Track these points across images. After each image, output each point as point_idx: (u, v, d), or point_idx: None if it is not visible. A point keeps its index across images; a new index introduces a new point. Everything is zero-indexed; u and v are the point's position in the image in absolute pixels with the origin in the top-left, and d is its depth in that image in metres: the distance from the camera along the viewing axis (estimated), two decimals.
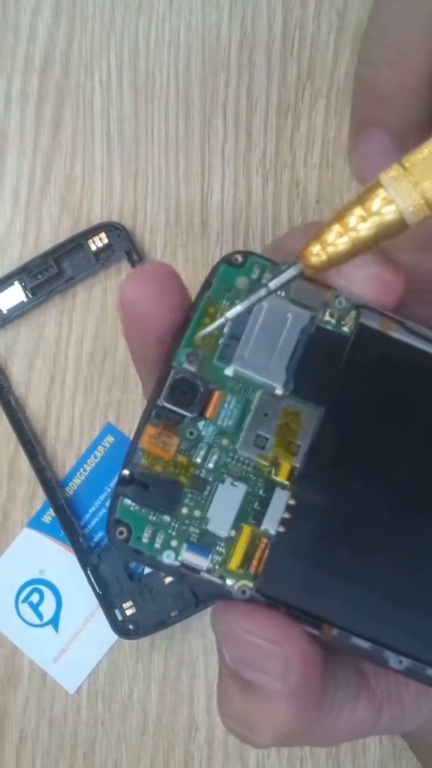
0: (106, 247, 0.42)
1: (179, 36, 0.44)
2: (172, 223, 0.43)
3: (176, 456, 0.21)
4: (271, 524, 0.21)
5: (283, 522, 0.21)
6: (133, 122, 0.43)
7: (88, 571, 0.41)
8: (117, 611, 0.41)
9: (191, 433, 0.22)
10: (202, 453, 0.22)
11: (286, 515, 0.21)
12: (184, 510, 0.21)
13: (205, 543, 0.21)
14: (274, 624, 0.20)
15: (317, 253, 0.19)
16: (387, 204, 0.18)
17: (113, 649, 0.42)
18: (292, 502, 0.21)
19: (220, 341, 0.22)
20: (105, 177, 0.43)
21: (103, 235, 0.42)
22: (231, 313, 0.20)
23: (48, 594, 0.42)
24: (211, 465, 0.21)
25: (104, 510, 0.43)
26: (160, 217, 0.43)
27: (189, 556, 0.21)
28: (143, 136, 0.43)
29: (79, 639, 0.42)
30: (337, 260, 0.19)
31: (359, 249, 0.18)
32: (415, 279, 0.21)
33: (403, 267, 0.21)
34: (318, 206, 0.43)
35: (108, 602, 0.41)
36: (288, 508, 0.21)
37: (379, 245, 0.19)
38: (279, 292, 0.22)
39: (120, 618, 0.41)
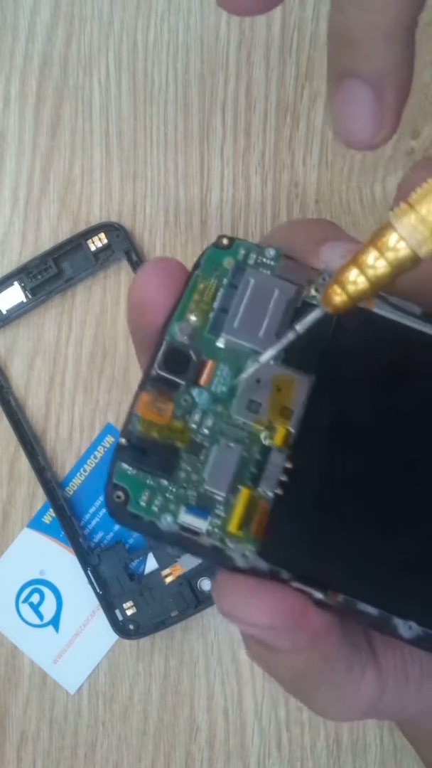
0: (106, 248, 0.43)
1: (178, 36, 0.44)
2: (171, 224, 0.43)
3: (172, 421, 0.22)
4: (268, 486, 0.21)
5: (280, 484, 0.21)
6: (132, 123, 0.44)
7: (89, 571, 0.41)
8: (117, 611, 0.41)
9: (186, 400, 0.22)
10: (197, 418, 0.22)
11: (284, 478, 0.21)
12: (182, 474, 0.21)
13: (203, 505, 0.21)
14: (271, 607, 0.20)
15: (339, 293, 0.19)
16: (399, 241, 0.19)
17: (113, 649, 0.42)
18: (288, 465, 0.21)
19: (210, 315, 0.22)
20: (104, 177, 0.43)
21: (102, 235, 0.42)
22: (263, 358, 0.21)
23: (48, 594, 0.42)
24: (206, 430, 0.22)
25: (104, 510, 0.43)
26: (159, 218, 0.43)
27: (188, 519, 0.21)
28: (142, 136, 0.43)
29: (79, 639, 0.42)
30: (358, 298, 0.19)
31: (378, 286, 0.19)
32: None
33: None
34: (317, 206, 0.43)
35: (108, 602, 0.41)
36: (285, 471, 0.21)
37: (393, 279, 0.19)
38: (264, 270, 0.22)
39: (120, 618, 0.41)
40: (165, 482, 0.21)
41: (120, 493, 0.21)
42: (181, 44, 0.43)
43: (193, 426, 0.22)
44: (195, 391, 0.22)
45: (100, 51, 0.44)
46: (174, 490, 0.21)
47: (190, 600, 0.41)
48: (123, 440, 0.22)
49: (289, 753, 0.42)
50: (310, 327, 0.21)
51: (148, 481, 0.21)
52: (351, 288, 0.19)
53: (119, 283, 0.43)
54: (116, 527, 0.43)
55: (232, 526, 0.21)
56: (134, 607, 0.41)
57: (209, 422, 0.22)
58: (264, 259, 0.22)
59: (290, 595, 0.20)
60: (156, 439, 0.22)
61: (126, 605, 0.41)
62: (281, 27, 0.43)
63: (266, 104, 0.43)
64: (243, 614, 0.20)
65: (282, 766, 0.42)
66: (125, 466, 0.21)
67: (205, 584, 0.41)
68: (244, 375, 0.22)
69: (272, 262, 0.22)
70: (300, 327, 0.21)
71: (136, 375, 0.43)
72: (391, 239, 0.19)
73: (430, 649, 0.21)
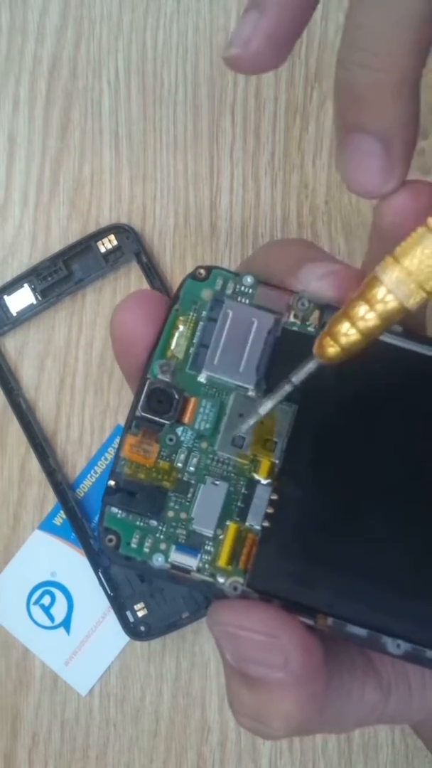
0: (115, 249, 0.43)
1: (187, 38, 0.44)
2: (181, 225, 0.43)
3: (158, 462, 0.22)
4: (255, 520, 0.22)
5: (267, 517, 0.22)
6: (142, 124, 0.44)
7: (100, 573, 0.41)
8: (128, 613, 0.41)
9: (171, 440, 0.22)
10: (183, 457, 0.22)
11: (270, 510, 0.22)
12: (170, 513, 0.22)
13: (193, 543, 0.22)
14: (267, 617, 0.21)
15: (332, 345, 0.20)
16: (387, 294, 0.19)
17: (125, 651, 0.42)
18: (274, 497, 0.22)
19: (191, 351, 0.23)
20: (114, 179, 0.43)
21: (112, 237, 0.42)
22: (263, 410, 0.21)
23: (59, 596, 0.42)
24: (192, 468, 0.22)
25: None
26: (168, 219, 0.43)
27: (178, 557, 0.22)
28: (151, 138, 0.44)
29: (90, 641, 0.42)
30: (350, 349, 0.20)
31: (369, 336, 0.20)
32: None
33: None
34: (327, 207, 0.43)
35: (119, 604, 0.41)
36: (271, 503, 0.22)
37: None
38: (242, 299, 0.23)
39: (131, 620, 0.41)
40: (154, 523, 0.22)
41: (111, 537, 0.22)
42: (190, 45, 0.44)
43: (179, 465, 0.22)
44: (179, 430, 0.22)
45: (110, 53, 0.44)
46: (163, 529, 0.22)
47: (201, 601, 0.41)
48: (111, 482, 0.22)
49: (301, 754, 0.42)
50: (306, 378, 0.21)
51: (138, 523, 0.22)
52: (343, 339, 0.20)
53: (129, 284, 0.43)
54: None
55: (221, 561, 0.22)
56: (145, 609, 0.41)
57: (194, 460, 0.22)
58: (242, 288, 0.23)
59: (284, 612, 0.21)
60: (143, 481, 0.22)
61: (137, 607, 0.41)
62: None
63: (275, 105, 0.43)
64: (243, 620, 0.21)
65: (293, 766, 0.42)
66: (114, 510, 0.22)
67: None
68: (244, 428, 0.22)
69: (250, 290, 0.23)
70: (296, 378, 0.21)
71: None
72: (380, 292, 0.19)
73: (420, 663, 0.21)
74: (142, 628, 0.41)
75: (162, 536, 0.22)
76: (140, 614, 0.41)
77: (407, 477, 0.22)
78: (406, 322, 0.21)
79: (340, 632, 0.21)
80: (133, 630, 0.41)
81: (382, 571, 0.21)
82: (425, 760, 0.41)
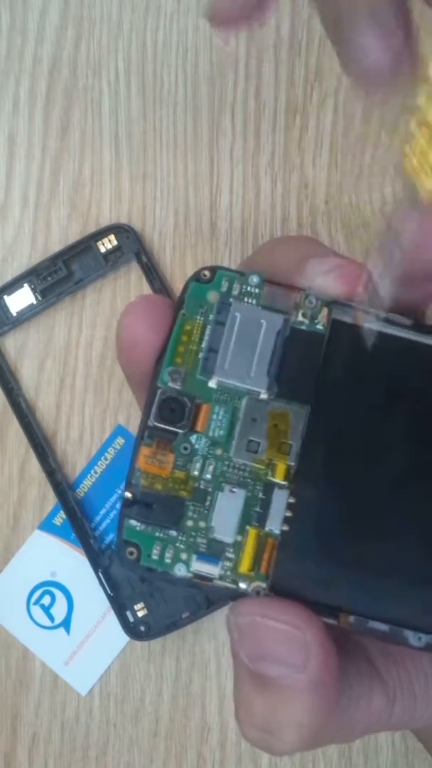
0: (115, 249, 0.43)
1: (187, 37, 0.44)
2: (181, 225, 0.43)
3: (173, 472, 0.22)
4: (274, 524, 0.22)
5: (286, 520, 0.22)
6: (142, 124, 0.44)
7: (100, 573, 0.41)
8: (128, 613, 0.41)
9: (185, 448, 0.22)
10: (198, 465, 0.22)
11: (288, 513, 0.22)
12: (189, 522, 0.22)
13: (213, 551, 0.22)
14: (293, 610, 0.21)
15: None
16: None
17: (125, 650, 0.42)
18: (292, 500, 0.22)
19: (200, 356, 0.22)
20: (114, 179, 0.43)
21: (112, 237, 0.42)
22: (384, 290, 0.21)
23: (59, 596, 0.42)
24: (208, 476, 0.22)
25: (115, 512, 0.43)
26: (168, 219, 0.43)
27: (200, 566, 0.22)
28: (151, 138, 0.43)
29: (90, 641, 0.42)
30: None
31: None
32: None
33: (386, 300, 0.22)
34: (327, 207, 0.43)
35: (119, 604, 0.41)
36: (289, 506, 0.22)
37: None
38: (249, 300, 0.22)
39: (131, 620, 0.41)
40: (174, 533, 0.22)
41: (132, 549, 0.22)
42: (190, 46, 0.43)
43: (195, 474, 0.22)
44: (193, 438, 0.22)
45: (110, 53, 0.44)
46: (183, 539, 0.22)
47: (202, 601, 0.41)
48: (128, 494, 0.22)
49: (301, 755, 0.42)
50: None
51: (157, 534, 0.22)
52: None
53: (129, 284, 0.43)
54: None
55: (243, 567, 0.22)
56: (145, 609, 0.41)
57: (210, 468, 0.22)
58: (248, 288, 0.22)
59: (308, 610, 0.21)
60: (160, 492, 0.22)
61: (137, 607, 0.41)
62: (290, 28, 0.43)
63: (275, 105, 0.43)
64: (267, 610, 0.21)
65: (294, 767, 0.42)
66: (133, 522, 0.22)
67: None
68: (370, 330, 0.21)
69: (256, 290, 0.22)
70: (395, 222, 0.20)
71: None
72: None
73: None
74: (142, 628, 0.41)
75: (182, 546, 0.22)
76: (140, 614, 0.41)
77: (422, 473, 0.22)
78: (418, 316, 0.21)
79: (362, 629, 0.21)
80: (133, 630, 0.41)
81: (400, 567, 0.22)
82: (425, 762, 0.41)
